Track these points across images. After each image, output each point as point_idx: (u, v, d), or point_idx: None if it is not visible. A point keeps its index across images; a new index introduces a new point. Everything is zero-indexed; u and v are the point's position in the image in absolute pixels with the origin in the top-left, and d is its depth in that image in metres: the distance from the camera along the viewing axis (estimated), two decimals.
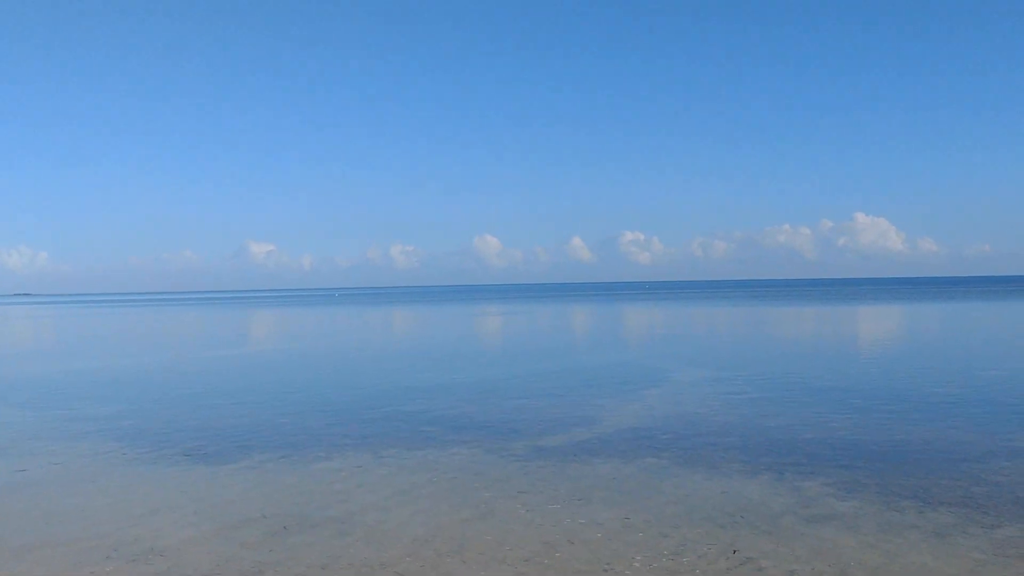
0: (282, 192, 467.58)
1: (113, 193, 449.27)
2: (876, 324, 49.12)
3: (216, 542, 8.68)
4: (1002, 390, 18.91)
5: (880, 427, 14.62)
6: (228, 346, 40.60)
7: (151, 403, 19.42)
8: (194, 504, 10.22)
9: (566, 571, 7.68)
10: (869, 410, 16.50)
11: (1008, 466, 11.47)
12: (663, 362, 26.73)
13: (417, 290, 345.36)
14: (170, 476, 11.86)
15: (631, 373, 24.03)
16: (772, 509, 9.51)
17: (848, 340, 37.37)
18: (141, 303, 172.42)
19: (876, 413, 16.12)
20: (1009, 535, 8.40)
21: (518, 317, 66.87)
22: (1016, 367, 23.79)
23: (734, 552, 8.01)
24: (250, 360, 31.38)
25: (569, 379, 22.78)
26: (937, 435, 13.82)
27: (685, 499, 10.04)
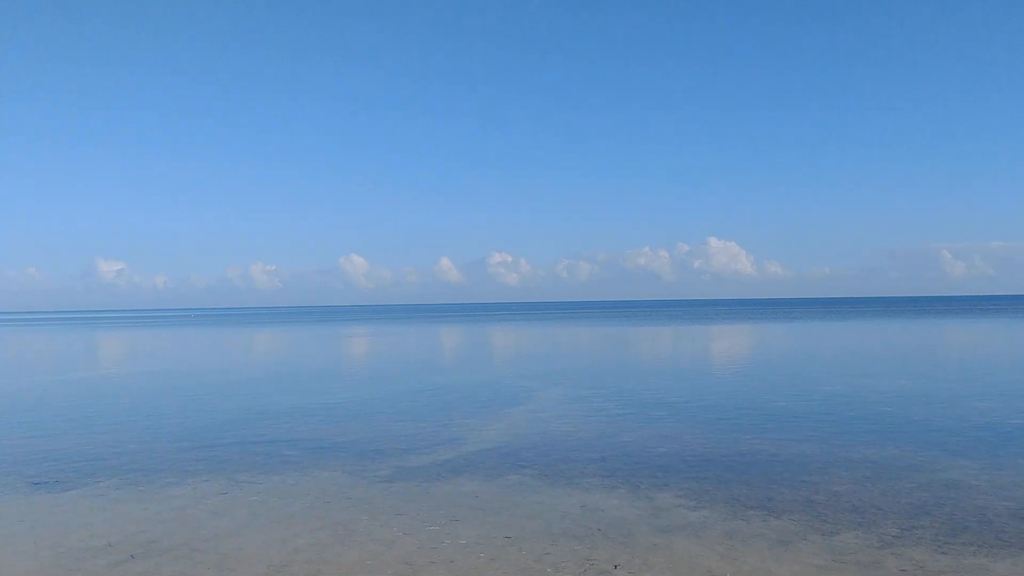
0: (134, 206, 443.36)
1: None
2: (726, 342, 51.52)
3: (56, 574, 8.17)
4: (841, 404, 20.23)
5: (728, 440, 15.36)
6: (72, 369, 38.26)
7: None
8: (32, 534, 9.59)
9: None
10: (718, 424, 17.31)
11: (847, 476, 12.27)
12: (526, 381, 27.11)
13: (280, 311, 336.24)
14: (6, 505, 11.07)
15: (495, 392, 24.24)
16: (628, 521, 9.83)
17: (700, 358, 39.02)
18: None
19: (725, 427, 16.92)
20: (847, 541, 8.99)
21: (383, 338, 66.20)
22: (853, 383, 25.48)
23: (615, 567, 8.21)
24: (97, 384, 29.68)
25: (433, 399, 22.76)
26: (781, 447, 14.63)
27: (545, 514, 10.22)
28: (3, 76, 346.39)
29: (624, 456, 14.00)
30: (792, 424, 17.25)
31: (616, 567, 8.19)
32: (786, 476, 12.29)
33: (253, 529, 9.76)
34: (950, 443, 14.86)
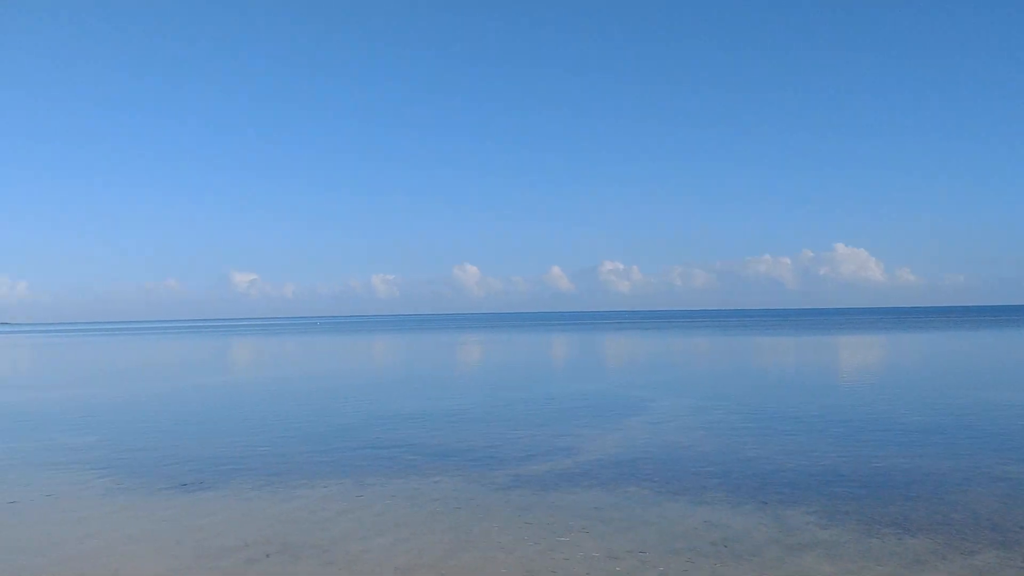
0: (265, 221, 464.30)
1: (96, 222, 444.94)
2: (856, 353, 49.49)
3: (196, 571, 8.59)
4: (978, 418, 19.11)
5: (860, 455, 14.72)
6: (208, 374, 40.27)
7: (130, 432, 19.24)
8: (174, 533, 10.12)
9: None
10: (848, 438, 16.61)
11: (986, 493, 11.58)
12: (642, 391, 26.79)
13: (397, 318, 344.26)
14: (149, 505, 11.73)
15: (611, 402, 24.06)
16: (755, 538, 9.55)
17: (829, 369, 37.62)
18: (123, 332, 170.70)
19: (855, 441, 16.23)
20: (987, 562, 8.47)
21: (497, 345, 66.83)
22: (992, 395, 24.03)
23: None
24: (230, 389, 31.14)
25: (550, 407, 22.78)
26: (915, 463, 13.93)
27: (668, 529, 10.05)
28: (151, 100, 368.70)
29: (749, 471, 13.61)
30: (927, 439, 16.39)
31: None
32: (921, 493, 11.69)
33: (380, 532, 10.00)
34: None
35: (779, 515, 10.60)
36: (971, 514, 10.43)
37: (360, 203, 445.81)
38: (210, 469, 14.32)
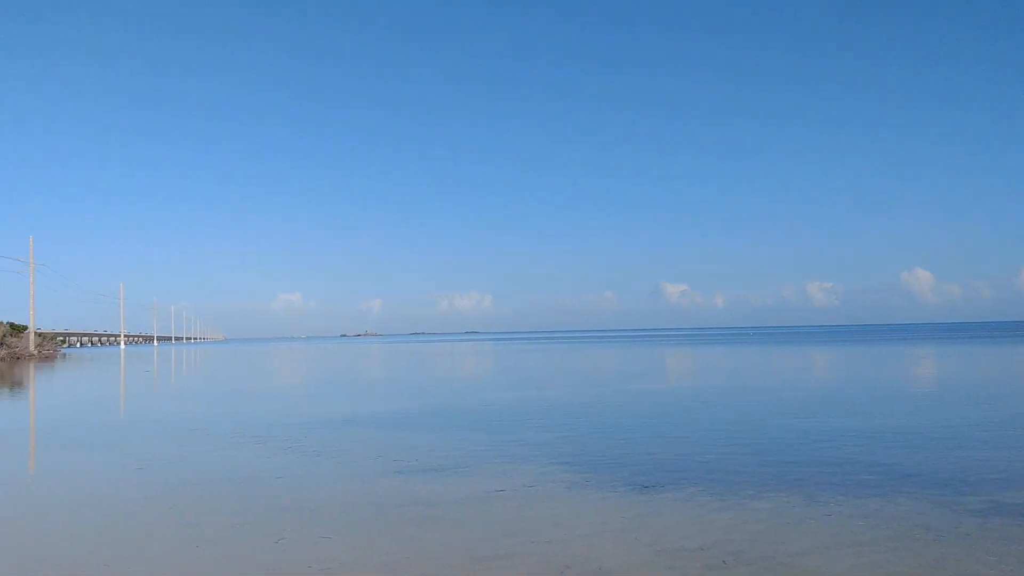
0: (694, 232, 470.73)
1: (543, 244, 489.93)
2: None
3: (658, 569, 9.02)
4: None
5: None
6: (648, 381, 42.06)
7: (584, 433, 20.78)
8: (633, 530, 10.73)
9: None
10: None
11: None
12: None
13: (834, 329, 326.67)
14: (608, 501, 12.57)
15: None
16: None
17: None
18: (567, 340, 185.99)
19: None
20: None
21: (956, 359, 60.00)
22: None
23: None
24: (668, 397, 32.16)
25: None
26: None
27: None
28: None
29: None
30: None
31: None
32: None
33: (837, 551, 9.58)
34: None
35: None
36: None
37: (792, 209, 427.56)
38: (660, 472, 14.91)
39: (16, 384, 52.32)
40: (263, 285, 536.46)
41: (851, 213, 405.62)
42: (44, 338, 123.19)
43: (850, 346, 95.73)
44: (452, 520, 11.53)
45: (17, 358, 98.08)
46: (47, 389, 48.12)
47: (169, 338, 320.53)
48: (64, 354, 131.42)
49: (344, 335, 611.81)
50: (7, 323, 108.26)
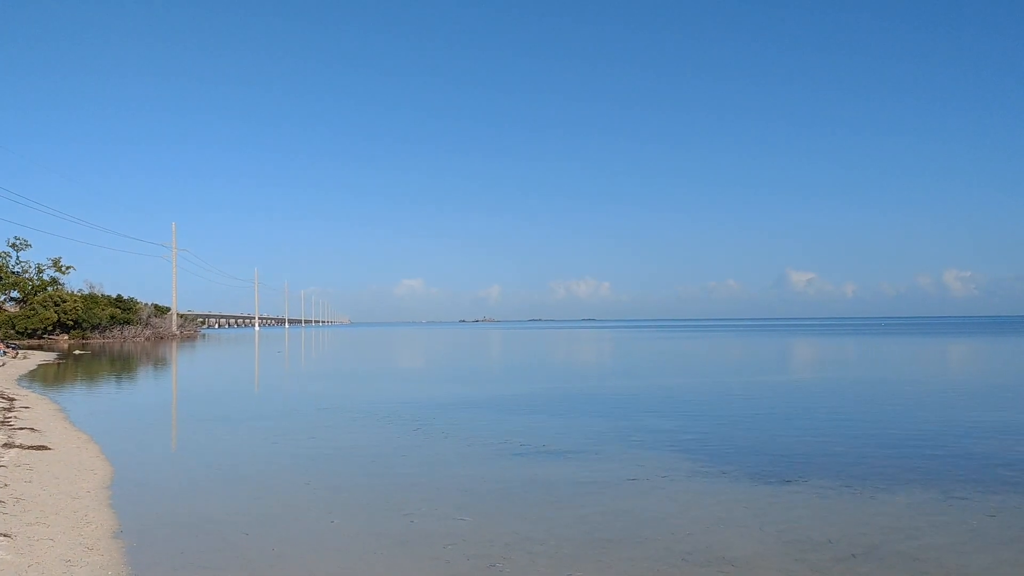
0: (823, 219, 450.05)
1: (662, 231, 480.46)
2: None
3: (784, 560, 8.94)
4: None
5: None
6: (773, 372, 41.10)
7: (708, 421, 20.59)
8: (758, 521, 10.65)
9: None
10: None
11: None
12: None
13: (976, 320, 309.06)
14: (732, 491, 12.48)
15: None
16: None
17: None
18: (688, 329, 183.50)
19: None
20: None
21: None
22: None
23: None
24: (795, 387, 31.36)
25: None
26: None
27: None
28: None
29: None
30: None
31: None
32: None
33: (975, 548, 9.27)
34: None
35: None
36: None
37: (931, 190, 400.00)
38: (785, 463, 14.66)
39: (160, 361, 56.04)
40: (387, 271, 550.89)
41: (996, 195, 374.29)
42: (185, 319, 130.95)
43: (989, 338, 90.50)
44: (576, 503, 11.74)
45: (160, 338, 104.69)
46: (189, 367, 51.40)
47: (299, 321, 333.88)
48: (204, 335, 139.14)
49: (463, 320, 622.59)
50: (152, 304, 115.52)
